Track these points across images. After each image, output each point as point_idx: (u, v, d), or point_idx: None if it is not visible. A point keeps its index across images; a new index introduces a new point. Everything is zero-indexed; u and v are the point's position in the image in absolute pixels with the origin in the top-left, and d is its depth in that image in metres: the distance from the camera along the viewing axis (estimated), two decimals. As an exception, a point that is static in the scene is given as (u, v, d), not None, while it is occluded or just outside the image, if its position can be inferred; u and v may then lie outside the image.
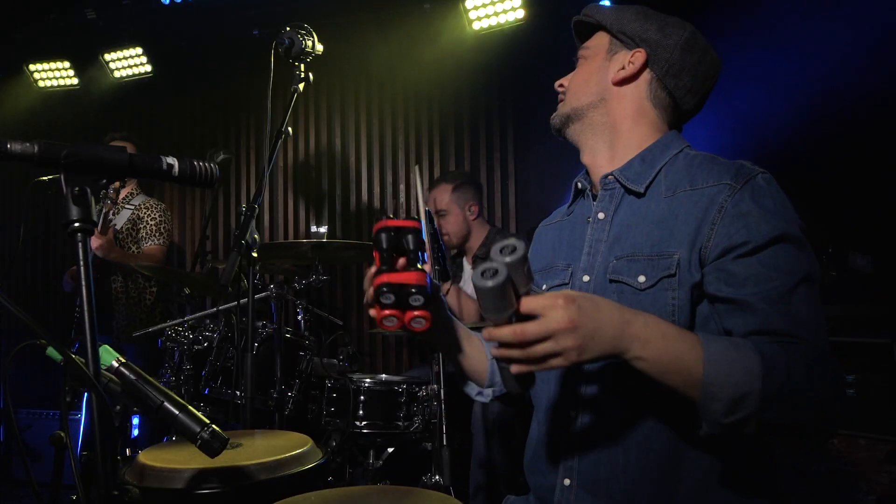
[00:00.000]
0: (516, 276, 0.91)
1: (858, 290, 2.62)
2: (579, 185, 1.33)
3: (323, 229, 3.42)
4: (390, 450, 2.70)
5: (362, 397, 2.62)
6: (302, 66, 2.35)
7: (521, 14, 3.70)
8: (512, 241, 0.92)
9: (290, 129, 2.33)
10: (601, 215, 1.21)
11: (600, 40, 1.31)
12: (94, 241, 3.19)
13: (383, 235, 1.05)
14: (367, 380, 2.65)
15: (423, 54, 3.92)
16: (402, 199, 4.16)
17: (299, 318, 3.13)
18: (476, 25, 3.80)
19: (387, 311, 1.01)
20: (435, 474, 2.50)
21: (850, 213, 2.97)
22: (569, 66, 1.37)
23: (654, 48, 1.25)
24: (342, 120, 4.35)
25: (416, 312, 1.01)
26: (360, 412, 2.60)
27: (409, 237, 1.05)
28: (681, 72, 1.25)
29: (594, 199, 1.26)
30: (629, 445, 1.09)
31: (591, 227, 1.23)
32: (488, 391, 1.32)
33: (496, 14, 3.74)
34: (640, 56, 1.25)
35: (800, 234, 1.05)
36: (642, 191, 1.17)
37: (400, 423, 2.60)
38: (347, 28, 3.97)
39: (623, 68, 1.26)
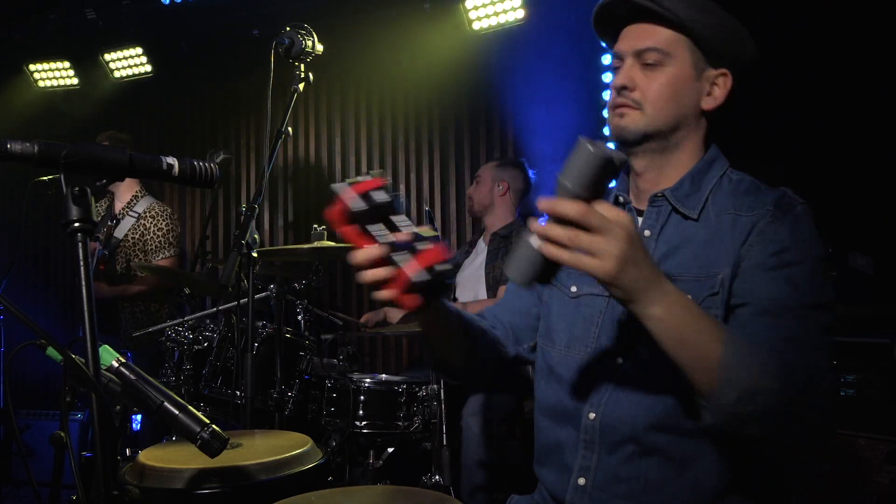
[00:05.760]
0: (602, 176, 0.87)
1: (858, 290, 2.62)
2: (621, 199, 1.26)
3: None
4: (390, 450, 2.70)
5: (362, 397, 2.61)
6: (302, 66, 2.35)
7: (521, 14, 3.69)
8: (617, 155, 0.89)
9: (290, 129, 2.33)
10: (647, 233, 1.18)
11: (677, 45, 1.12)
12: None
13: (377, 200, 0.91)
14: (367, 380, 2.65)
15: (423, 54, 3.91)
16: (403, 199, 4.15)
17: (299, 318, 3.12)
18: (476, 25, 3.79)
19: (419, 296, 0.92)
20: (435, 474, 2.50)
21: (850, 213, 2.97)
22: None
23: (737, 70, 1.15)
24: (342, 120, 4.35)
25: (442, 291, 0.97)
26: (360, 412, 2.60)
27: (395, 201, 0.93)
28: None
29: (638, 214, 1.22)
30: (648, 449, 1.09)
31: None
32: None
33: (496, 14, 3.73)
34: (727, 81, 1.15)
35: (820, 264, 1.07)
36: (696, 217, 1.14)
37: (400, 423, 2.60)
38: (347, 28, 3.97)
39: (710, 93, 1.15)
